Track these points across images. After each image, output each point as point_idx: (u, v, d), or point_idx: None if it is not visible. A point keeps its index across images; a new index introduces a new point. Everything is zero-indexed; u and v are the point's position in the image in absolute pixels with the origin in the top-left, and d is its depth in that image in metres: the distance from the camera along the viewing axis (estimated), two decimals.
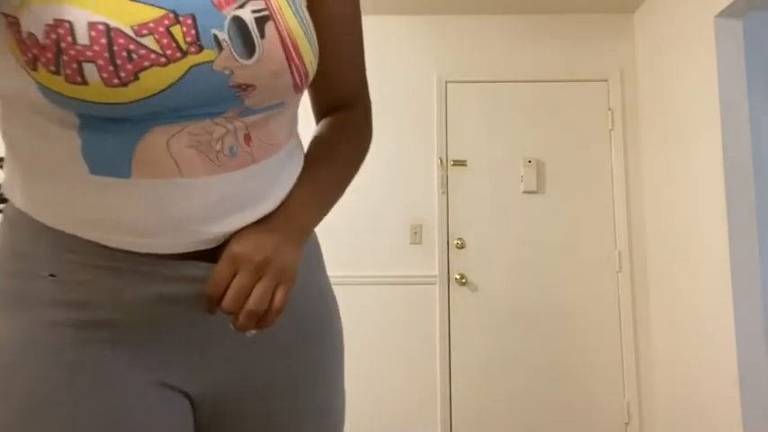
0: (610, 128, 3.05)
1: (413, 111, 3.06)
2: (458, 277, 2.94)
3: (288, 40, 0.54)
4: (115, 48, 0.46)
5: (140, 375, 0.57)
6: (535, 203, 3.00)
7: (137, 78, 0.47)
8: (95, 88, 0.46)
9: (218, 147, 0.54)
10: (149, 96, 0.48)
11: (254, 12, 0.52)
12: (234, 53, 0.50)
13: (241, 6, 0.51)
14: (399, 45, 3.10)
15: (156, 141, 0.51)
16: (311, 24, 0.58)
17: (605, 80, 3.07)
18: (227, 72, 0.51)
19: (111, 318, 0.56)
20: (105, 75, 0.46)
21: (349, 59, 0.72)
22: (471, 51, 3.11)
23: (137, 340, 0.57)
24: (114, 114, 0.49)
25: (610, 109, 3.06)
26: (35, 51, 0.45)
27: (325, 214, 0.66)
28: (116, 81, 0.46)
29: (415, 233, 2.97)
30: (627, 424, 2.87)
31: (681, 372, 2.63)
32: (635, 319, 2.92)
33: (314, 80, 0.68)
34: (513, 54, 3.10)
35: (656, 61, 2.87)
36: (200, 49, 0.49)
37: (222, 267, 0.55)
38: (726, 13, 2.28)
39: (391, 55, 3.08)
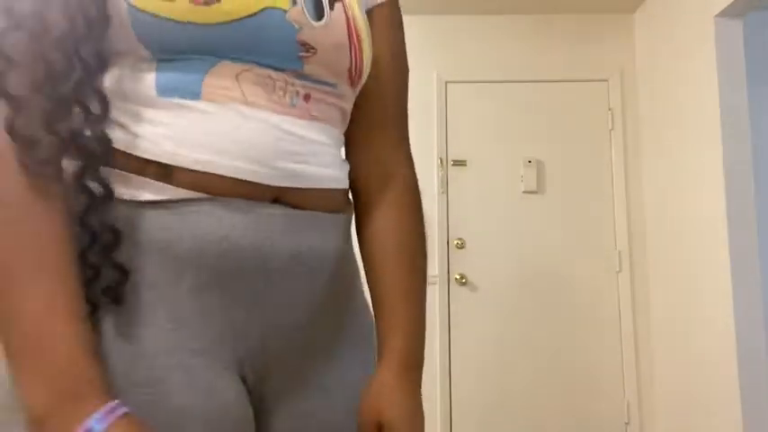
0: (610, 128, 3.04)
1: (413, 111, 3.00)
2: (458, 277, 2.94)
3: (352, 22, 0.60)
4: None
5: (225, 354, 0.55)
6: (535, 203, 3.00)
7: (219, 1, 0.51)
8: (182, 5, 0.50)
9: (281, 94, 0.56)
10: (226, 22, 0.52)
11: None
12: (305, 11, 0.56)
13: None
14: None
15: (225, 72, 0.54)
16: (370, 40, 0.63)
17: (605, 80, 3.07)
18: (296, 26, 0.56)
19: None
20: None
21: (383, 103, 0.70)
22: (471, 51, 3.10)
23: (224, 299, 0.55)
24: (191, 40, 0.52)
25: (610, 109, 3.05)
26: None
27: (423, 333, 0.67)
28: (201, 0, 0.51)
29: None
30: (627, 424, 2.87)
31: (681, 372, 2.63)
32: (635, 319, 2.92)
33: (351, 127, 0.68)
34: (513, 54, 3.10)
35: (656, 61, 2.87)
36: None
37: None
38: (726, 13, 2.28)
39: None
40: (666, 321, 2.77)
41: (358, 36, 0.61)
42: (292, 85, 0.57)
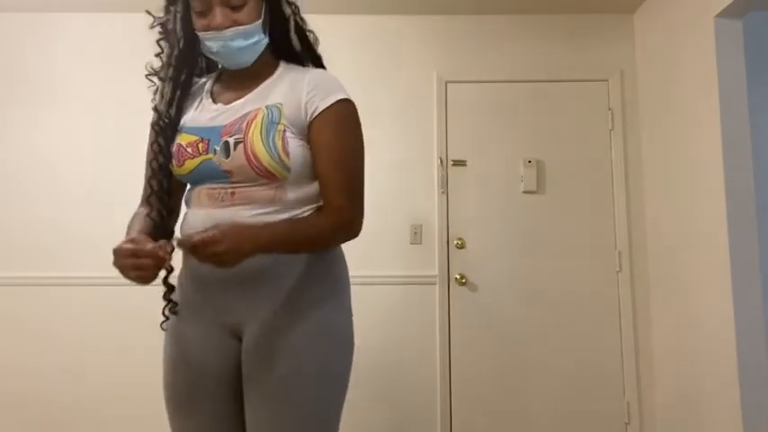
0: (610, 128, 3.05)
1: (413, 111, 3.06)
2: (458, 277, 2.94)
3: (250, 152, 1.10)
4: (180, 152, 1.17)
5: (209, 322, 1.18)
6: (535, 203, 3.00)
7: (183, 164, 1.16)
8: (175, 169, 1.18)
9: (216, 197, 1.15)
10: (189, 172, 1.17)
11: (235, 140, 1.12)
12: (221, 155, 1.13)
13: (231, 136, 1.13)
14: (399, 45, 3.10)
15: (195, 192, 1.19)
16: (279, 149, 1.10)
17: (605, 80, 3.07)
18: (218, 163, 1.13)
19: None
20: (175, 162, 1.17)
21: (324, 174, 1.15)
22: (471, 51, 3.11)
23: (207, 299, 1.17)
24: (185, 180, 1.21)
25: (610, 109, 3.05)
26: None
27: (267, 250, 1.08)
28: (177, 164, 1.17)
29: (415, 233, 2.97)
30: (627, 424, 2.87)
31: (681, 371, 2.63)
32: (635, 319, 2.92)
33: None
34: (513, 54, 3.10)
35: (656, 61, 2.87)
36: (207, 152, 1.14)
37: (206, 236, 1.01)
38: (726, 13, 2.28)
39: (391, 55, 3.08)
40: (666, 321, 2.77)
41: (256, 157, 1.10)
42: (224, 190, 1.14)
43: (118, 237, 3.07)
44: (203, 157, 1.13)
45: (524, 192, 3.00)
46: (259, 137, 1.10)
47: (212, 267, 1.02)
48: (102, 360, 2.87)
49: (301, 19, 1.23)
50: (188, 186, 1.24)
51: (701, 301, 2.44)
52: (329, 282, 1.19)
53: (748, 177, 2.26)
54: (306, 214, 1.16)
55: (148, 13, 1.20)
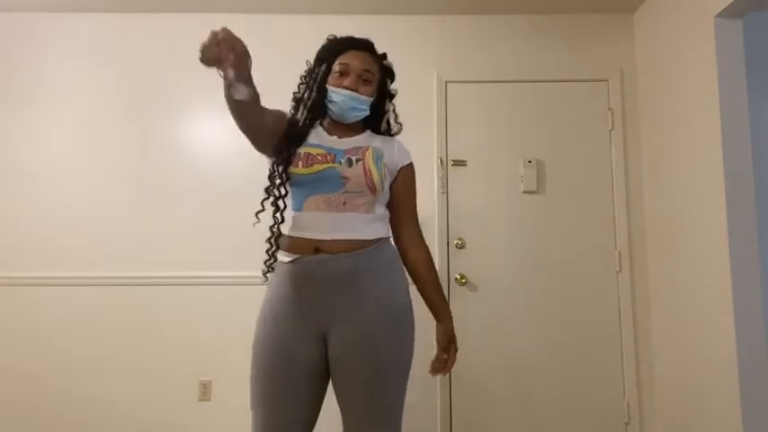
0: (610, 128, 3.05)
1: (413, 111, 3.05)
2: (458, 277, 2.94)
3: (366, 168, 1.52)
4: (309, 157, 1.52)
5: (305, 322, 1.48)
6: (535, 203, 3.00)
7: (311, 166, 1.51)
8: (300, 169, 1.51)
9: (332, 203, 1.49)
10: (314, 173, 1.50)
11: (356, 158, 1.53)
12: (344, 165, 1.51)
13: (353, 156, 1.53)
14: (399, 45, 3.09)
15: (312, 199, 1.50)
16: (383, 173, 1.56)
17: (605, 80, 3.07)
18: (340, 171, 1.50)
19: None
20: (302, 164, 1.51)
21: (401, 211, 1.64)
22: (471, 51, 3.11)
23: (303, 300, 1.48)
24: (304, 181, 1.51)
25: (610, 109, 3.05)
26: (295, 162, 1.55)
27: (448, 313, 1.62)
28: (304, 166, 1.51)
29: None
30: (627, 424, 2.87)
31: (681, 372, 2.63)
32: (635, 319, 2.92)
33: (392, 213, 1.64)
34: (513, 54, 3.10)
35: (656, 61, 2.87)
36: (333, 162, 1.51)
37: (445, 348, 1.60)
38: (726, 13, 2.28)
39: (391, 54, 3.06)
40: (666, 321, 2.77)
41: (369, 172, 1.51)
42: (338, 198, 1.49)
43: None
44: (330, 165, 1.50)
45: (524, 192, 3.00)
46: (372, 161, 1.54)
47: (315, 271, 1.46)
48: (102, 360, 2.87)
49: (395, 114, 1.81)
50: (290, 197, 1.57)
51: (700, 301, 2.44)
52: (399, 277, 1.56)
53: (748, 177, 2.26)
54: (384, 223, 1.59)
55: (307, 63, 1.66)
